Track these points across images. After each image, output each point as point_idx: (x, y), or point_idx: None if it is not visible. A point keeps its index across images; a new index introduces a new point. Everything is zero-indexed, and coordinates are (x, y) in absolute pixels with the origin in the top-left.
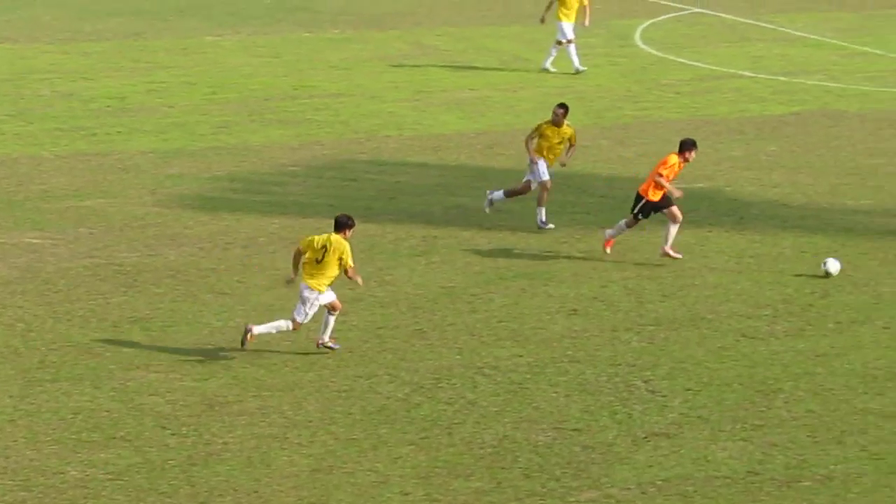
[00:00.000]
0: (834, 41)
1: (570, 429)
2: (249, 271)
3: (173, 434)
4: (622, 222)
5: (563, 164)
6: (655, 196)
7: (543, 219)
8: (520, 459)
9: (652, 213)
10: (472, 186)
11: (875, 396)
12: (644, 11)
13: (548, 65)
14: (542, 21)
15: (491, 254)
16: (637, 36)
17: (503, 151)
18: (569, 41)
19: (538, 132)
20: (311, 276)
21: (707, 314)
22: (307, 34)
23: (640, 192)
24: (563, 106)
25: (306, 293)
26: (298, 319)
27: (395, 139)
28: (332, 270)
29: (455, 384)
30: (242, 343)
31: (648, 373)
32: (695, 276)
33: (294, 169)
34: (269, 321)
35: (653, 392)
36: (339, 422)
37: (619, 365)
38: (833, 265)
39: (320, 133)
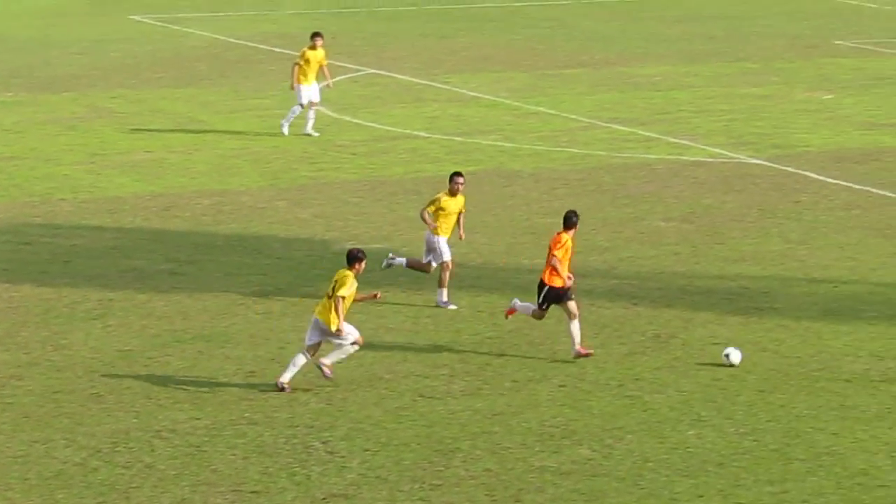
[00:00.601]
0: (508, 101)
1: (249, 491)
2: None
3: None
4: (531, 308)
5: (462, 238)
6: (556, 282)
7: (444, 299)
8: None
9: (555, 303)
10: (148, 249)
11: (552, 454)
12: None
13: (309, 129)
14: (329, 87)
15: (167, 316)
16: None
17: (179, 213)
18: (305, 105)
19: (436, 205)
20: (322, 308)
21: (384, 374)
22: None
23: (542, 280)
24: (461, 174)
25: (315, 320)
26: (307, 343)
27: (70, 202)
28: None
29: (132, 448)
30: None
31: (327, 434)
32: (372, 336)
33: None
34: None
35: (331, 453)
36: (15, 487)
37: (298, 426)
38: (735, 355)
39: None
